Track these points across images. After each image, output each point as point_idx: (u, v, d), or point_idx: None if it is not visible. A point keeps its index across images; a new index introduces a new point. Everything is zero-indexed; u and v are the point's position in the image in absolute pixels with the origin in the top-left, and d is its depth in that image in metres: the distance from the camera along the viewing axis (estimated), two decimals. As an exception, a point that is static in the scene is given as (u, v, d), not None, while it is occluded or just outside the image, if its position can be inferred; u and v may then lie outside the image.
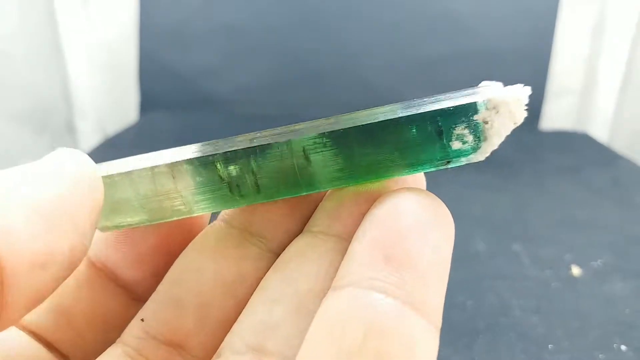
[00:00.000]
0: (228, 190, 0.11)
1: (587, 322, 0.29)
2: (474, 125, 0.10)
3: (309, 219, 0.12)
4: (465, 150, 0.10)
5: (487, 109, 0.10)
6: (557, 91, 0.73)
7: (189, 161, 0.11)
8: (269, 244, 0.12)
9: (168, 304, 0.12)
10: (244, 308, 0.11)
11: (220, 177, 0.11)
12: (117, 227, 0.12)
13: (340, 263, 0.10)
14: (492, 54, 0.70)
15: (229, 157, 0.11)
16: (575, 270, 0.34)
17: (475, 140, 0.10)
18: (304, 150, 0.11)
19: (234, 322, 0.11)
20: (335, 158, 0.11)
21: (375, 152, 0.10)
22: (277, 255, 0.12)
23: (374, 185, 0.12)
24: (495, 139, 0.10)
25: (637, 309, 0.30)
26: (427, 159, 0.10)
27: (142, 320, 0.12)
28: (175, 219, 0.12)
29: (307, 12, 0.70)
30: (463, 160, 0.11)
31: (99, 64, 0.74)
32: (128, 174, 0.11)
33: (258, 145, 0.11)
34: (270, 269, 0.12)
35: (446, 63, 0.71)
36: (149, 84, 0.74)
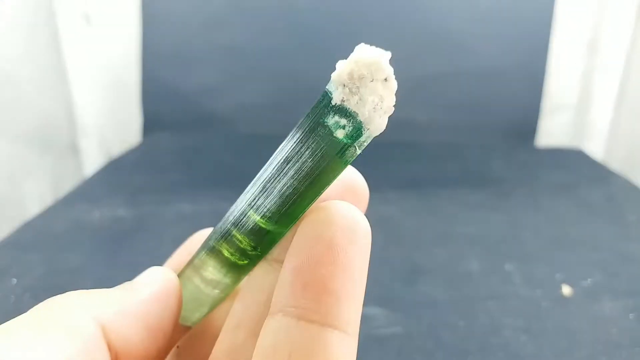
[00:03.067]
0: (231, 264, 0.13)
1: (576, 342, 0.30)
2: (338, 108, 0.10)
3: None
4: (353, 131, 0.10)
5: (337, 88, 0.10)
6: (553, 108, 0.74)
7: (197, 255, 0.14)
8: None
9: (195, 334, 0.15)
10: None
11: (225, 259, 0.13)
12: (197, 321, 0.15)
13: None
14: (489, 72, 0.72)
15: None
16: (566, 290, 0.35)
17: (349, 118, 0.10)
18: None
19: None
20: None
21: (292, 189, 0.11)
22: None
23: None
24: (368, 104, 0.10)
25: (624, 329, 0.31)
26: (332, 159, 0.11)
27: (178, 347, 0.14)
28: (224, 295, 0.14)
29: (306, 33, 0.72)
30: (364, 139, 0.11)
31: (102, 85, 0.76)
32: (182, 273, 0.14)
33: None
34: (237, 296, 0.14)
35: (443, 81, 0.72)
36: (151, 105, 0.75)
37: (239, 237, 0.12)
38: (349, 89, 0.10)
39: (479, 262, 0.39)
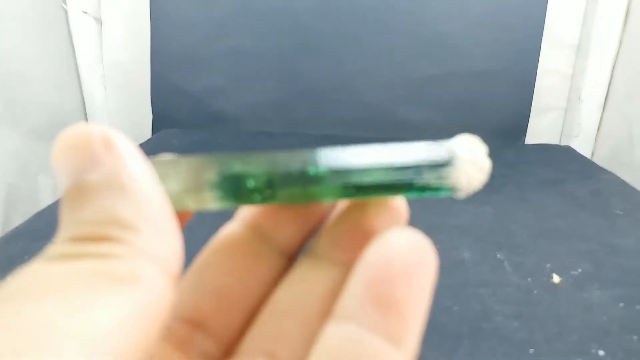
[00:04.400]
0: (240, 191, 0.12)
1: (566, 328, 0.30)
2: (444, 147, 0.12)
3: (312, 225, 0.14)
4: (436, 163, 0.11)
5: (452, 142, 0.12)
6: (542, 108, 0.73)
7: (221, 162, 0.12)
8: (278, 245, 0.14)
9: (192, 291, 0.13)
10: (256, 297, 0.13)
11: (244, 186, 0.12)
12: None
13: (339, 289, 0.12)
14: (481, 74, 0.71)
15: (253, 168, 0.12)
16: (556, 279, 0.34)
17: (447, 158, 0.11)
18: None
19: (247, 308, 0.13)
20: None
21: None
22: (284, 254, 0.14)
23: (370, 214, 0.13)
24: (463, 162, 0.11)
25: (613, 316, 0.30)
26: (404, 171, 0.12)
27: None
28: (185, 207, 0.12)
29: (308, 36, 0.71)
30: (444, 174, 0.11)
31: (114, 85, 0.75)
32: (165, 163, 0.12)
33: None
34: (281, 284, 0.13)
35: (437, 82, 0.71)
36: (160, 104, 0.75)
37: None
38: (463, 143, 0.12)
39: (471, 252, 0.38)
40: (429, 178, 0.11)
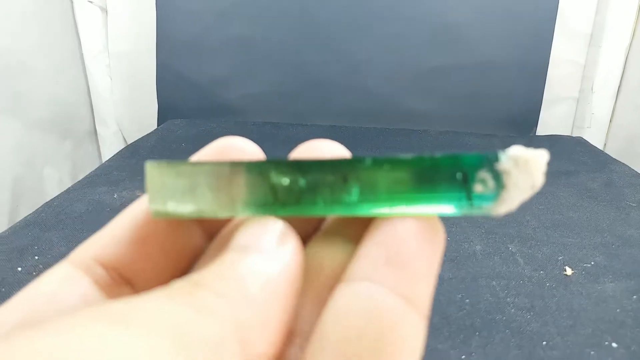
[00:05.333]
0: (272, 198, 0.12)
1: (579, 320, 0.30)
2: (495, 172, 0.11)
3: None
4: (485, 195, 0.11)
5: (507, 160, 0.11)
6: (554, 99, 0.73)
7: (248, 164, 0.12)
8: None
9: None
10: None
11: (271, 185, 0.12)
12: (168, 214, 0.12)
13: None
14: (492, 64, 0.70)
15: (283, 169, 0.12)
16: (569, 271, 0.35)
17: (495, 186, 0.11)
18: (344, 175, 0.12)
19: None
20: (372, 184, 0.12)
21: (403, 186, 0.11)
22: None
23: None
24: (513, 191, 0.11)
25: (627, 309, 0.31)
26: (449, 197, 0.11)
27: None
28: (219, 217, 0.12)
29: (313, 25, 0.71)
30: (483, 208, 0.11)
31: (120, 75, 0.75)
32: (193, 164, 0.12)
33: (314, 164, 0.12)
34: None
35: (447, 73, 0.71)
36: (166, 94, 0.75)
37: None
38: (515, 168, 0.11)
39: (483, 244, 0.38)
40: (470, 179, 0.11)
